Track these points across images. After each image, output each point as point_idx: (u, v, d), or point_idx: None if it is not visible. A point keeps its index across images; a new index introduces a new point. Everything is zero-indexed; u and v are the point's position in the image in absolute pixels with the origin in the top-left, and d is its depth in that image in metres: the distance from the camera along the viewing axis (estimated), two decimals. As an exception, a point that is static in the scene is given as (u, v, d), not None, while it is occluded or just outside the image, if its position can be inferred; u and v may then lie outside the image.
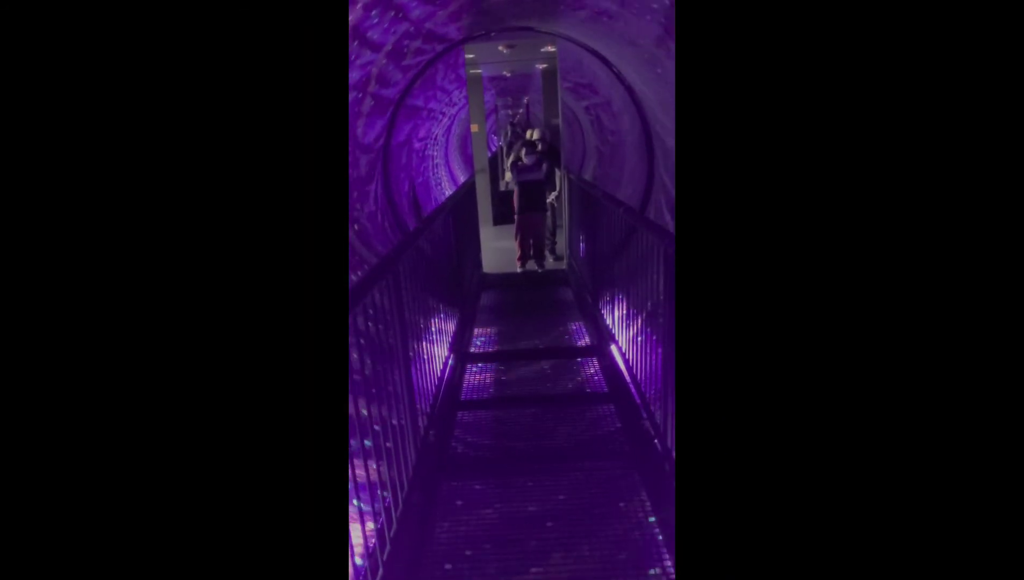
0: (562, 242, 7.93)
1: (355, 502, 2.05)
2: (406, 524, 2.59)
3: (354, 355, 2.14)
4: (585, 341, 5.18)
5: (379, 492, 2.33)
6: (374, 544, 2.25)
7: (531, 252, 7.62)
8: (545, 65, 8.56)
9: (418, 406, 3.07)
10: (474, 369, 4.67)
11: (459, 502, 2.95)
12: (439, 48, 6.40)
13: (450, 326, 4.63)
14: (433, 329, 3.86)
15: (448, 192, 12.18)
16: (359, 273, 4.83)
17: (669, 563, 2.46)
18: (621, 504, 2.85)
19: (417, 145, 8.66)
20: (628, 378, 3.95)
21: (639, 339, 3.65)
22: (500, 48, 7.65)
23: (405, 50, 5.46)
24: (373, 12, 4.15)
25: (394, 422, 2.60)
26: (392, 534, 2.41)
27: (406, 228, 6.87)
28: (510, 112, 17.16)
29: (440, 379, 3.90)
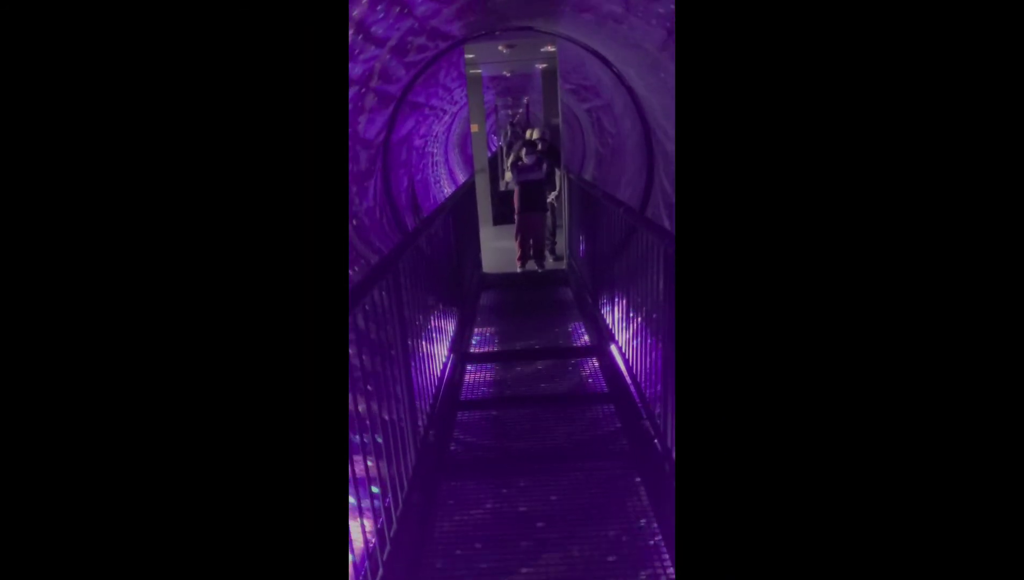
0: (562, 242, 7.93)
1: (353, 500, 2.05)
2: (406, 524, 2.59)
3: (354, 354, 2.13)
4: (585, 341, 5.18)
5: (379, 492, 2.32)
6: (374, 544, 2.25)
7: (531, 252, 7.62)
8: (545, 65, 8.56)
9: (418, 406, 3.07)
10: (474, 369, 4.67)
11: (458, 502, 2.95)
12: (443, 45, 6.39)
13: (450, 326, 4.63)
14: (433, 329, 3.86)
15: (447, 190, 12.17)
16: (356, 268, 4.83)
17: (669, 564, 2.46)
18: (620, 504, 2.84)
19: (417, 142, 8.66)
20: (628, 378, 3.95)
21: (639, 339, 3.65)
22: (500, 48, 7.64)
23: (409, 46, 5.45)
24: (379, 7, 4.15)
25: (394, 422, 2.60)
26: (392, 534, 2.40)
27: (404, 225, 6.87)
28: (510, 112, 17.15)
29: (440, 379, 3.90)
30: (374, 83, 5.25)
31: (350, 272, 4.54)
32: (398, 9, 4.47)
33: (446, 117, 10.56)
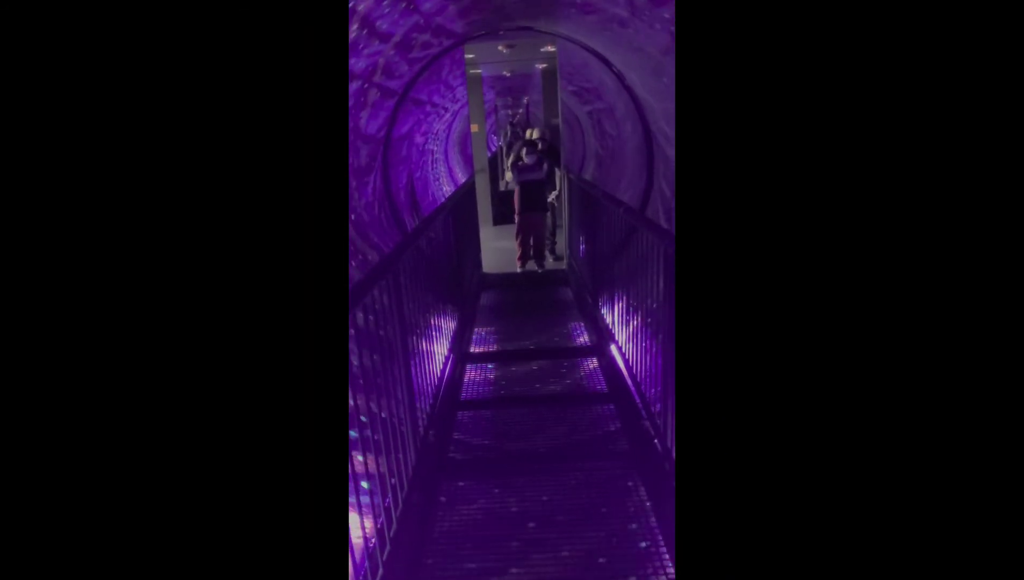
0: (562, 242, 7.93)
1: (354, 500, 2.05)
2: (406, 524, 2.59)
3: (353, 355, 2.13)
4: (585, 341, 5.18)
5: (369, 487, 2.32)
6: (374, 544, 2.25)
7: (531, 252, 7.61)
8: (545, 65, 8.56)
9: (418, 406, 3.07)
10: (474, 369, 4.67)
11: (458, 502, 2.95)
12: (447, 43, 6.39)
13: (450, 326, 4.63)
14: (433, 329, 3.86)
15: (446, 188, 12.17)
16: (353, 264, 4.83)
17: (669, 564, 2.46)
18: (620, 504, 2.84)
19: (418, 139, 8.66)
20: (628, 378, 3.95)
21: (639, 339, 3.65)
22: (500, 48, 7.64)
23: (413, 43, 5.45)
24: (384, 2, 4.15)
25: (394, 422, 2.60)
26: (392, 534, 2.40)
27: (402, 222, 6.86)
28: (510, 112, 17.15)
29: (440, 379, 3.90)
30: (377, 78, 5.25)
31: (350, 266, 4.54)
32: (404, 5, 4.47)
33: (447, 115, 10.56)
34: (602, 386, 4.23)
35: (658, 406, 3.11)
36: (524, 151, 7.22)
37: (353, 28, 4.02)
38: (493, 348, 5.26)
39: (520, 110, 16.47)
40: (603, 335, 4.81)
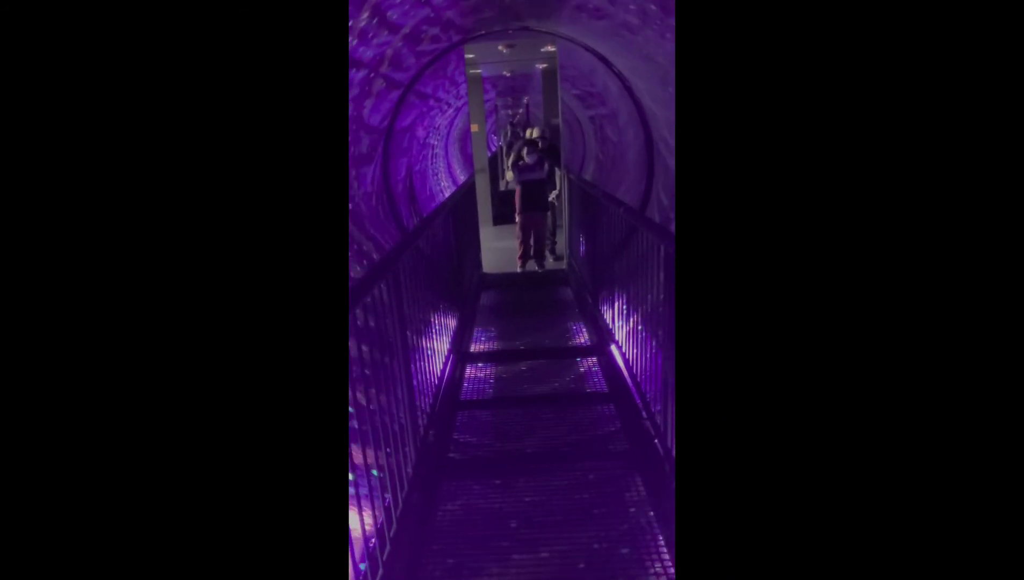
0: (562, 242, 7.93)
1: (353, 498, 2.05)
2: (406, 523, 2.59)
3: (353, 354, 2.13)
4: (585, 341, 5.17)
5: (378, 491, 2.32)
6: (374, 544, 2.25)
7: (531, 252, 7.61)
8: (545, 65, 8.55)
9: (418, 405, 3.07)
10: (474, 369, 4.67)
11: (458, 502, 2.95)
12: (455, 38, 6.38)
13: (450, 326, 4.62)
14: (433, 329, 3.86)
15: (444, 184, 12.16)
16: (352, 260, 4.83)
17: (670, 564, 2.46)
18: (620, 504, 2.84)
19: (420, 132, 8.65)
20: (628, 378, 3.95)
21: (639, 339, 3.65)
22: (500, 48, 7.64)
23: (422, 36, 5.44)
24: (397, -7, 4.16)
25: (394, 422, 2.60)
26: (392, 534, 2.40)
27: (399, 213, 6.85)
28: (510, 112, 17.15)
29: (440, 379, 3.90)
30: (384, 69, 5.24)
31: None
32: (416, -4, 4.49)
33: (450, 111, 10.56)
34: (602, 386, 4.22)
35: (658, 406, 3.11)
36: (525, 150, 7.21)
37: (363, 16, 4.01)
38: (493, 348, 5.26)
39: (520, 110, 16.47)
40: (603, 335, 4.81)
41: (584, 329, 5.42)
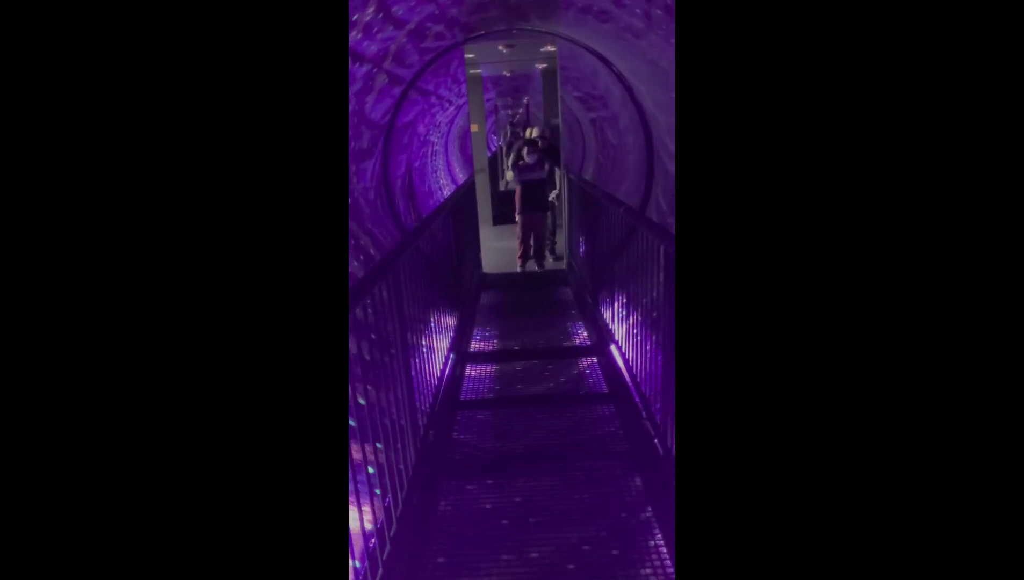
0: (562, 242, 7.93)
1: (353, 498, 2.05)
2: (405, 523, 2.59)
3: (353, 353, 2.13)
4: (585, 341, 5.18)
5: (378, 491, 2.32)
6: (374, 544, 2.25)
7: (531, 251, 7.61)
8: (545, 65, 8.55)
9: (418, 405, 3.07)
10: (474, 369, 4.67)
11: (458, 502, 2.95)
12: (460, 36, 6.38)
13: (450, 326, 4.63)
14: (433, 329, 3.86)
15: (443, 181, 12.15)
16: (349, 254, 4.83)
17: (669, 564, 2.46)
18: (620, 503, 2.84)
19: (421, 129, 8.65)
20: (628, 378, 3.95)
21: (639, 339, 3.65)
22: (500, 48, 7.64)
23: (427, 32, 5.44)
24: (404, -13, 4.17)
25: (394, 422, 2.60)
26: (392, 533, 2.40)
27: (397, 209, 6.85)
28: (510, 112, 17.15)
29: (440, 379, 3.90)
30: (387, 64, 5.23)
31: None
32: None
33: (451, 108, 10.56)
34: (602, 386, 4.23)
35: (658, 406, 3.11)
36: (525, 150, 7.20)
37: (369, 11, 4.00)
38: (493, 347, 5.26)
39: (520, 110, 16.48)
40: (603, 335, 4.81)
41: (584, 329, 5.42)
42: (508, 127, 15.12)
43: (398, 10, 4.46)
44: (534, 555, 2.55)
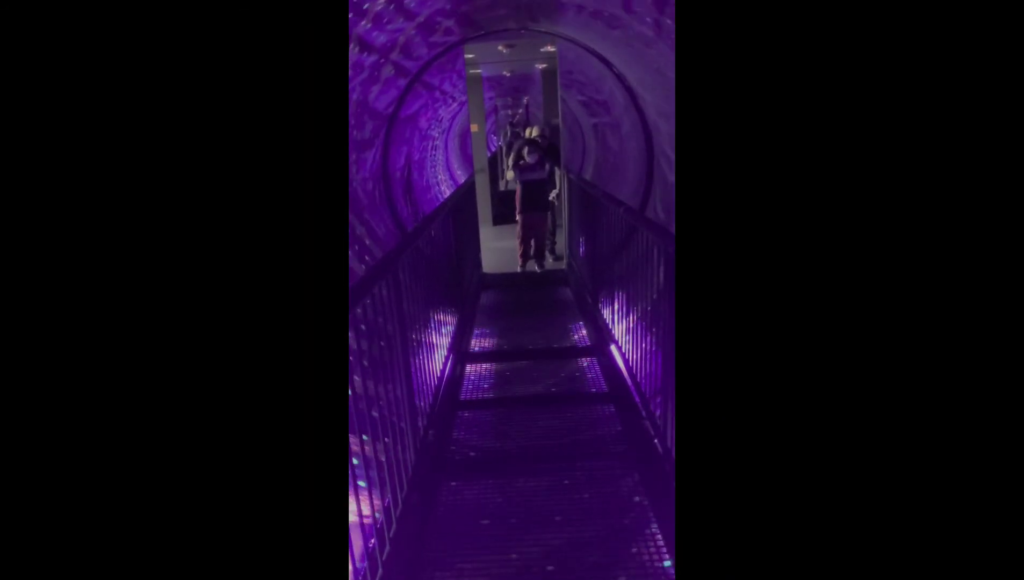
0: (562, 242, 7.93)
1: (353, 498, 2.05)
2: (405, 524, 2.59)
3: (353, 353, 2.13)
4: (585, 341, 5.18)
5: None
6: (374, 544, 2.25)
7: (532, 251, 7.61)
8: (545, 65, 8.55)
9: (417, 405, 3.07)
10: (474, 369, 4.67)
11: (458, 502, 2.95)
12: (470, 33, 6.38)
13: (450, 326, 4.62)
14: (433, 328, 3.86)
15: (442, 175, 12.14)
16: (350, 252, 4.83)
17: (669, 561, 2.46)
18: (620, 503, 2.84)
19: (422, 123, 8.64)
20: (628, 378, 3.95)
21: (638, 339, 3.65)
22: (500, 48, 7.64)
23: (436, 27, 5.43)
24: (416, -21, 4.17)
25: (394, 421, 2.60)
26: (391, 534, 2.40)
27: (395, 200, 6.84)
28: (510, 112, 17.16)
29: (440, 379, 3.90)
30: (394, 55, 5.23)
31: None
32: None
33: (454, 105, 10.55)
34: (602, 386, 4.23)
35: (658, 406, 3.11)
36: (526, 150, 7.19)
37: (380, 1, 4.00)
38: (493, 348, 5.26)
39: (520, 110, 16.48)
40: (603, 335, 4.81)
41: (584, 329, 5.42)
42: (508, 127, 15.13)
43: (410, 2, 4.46)
44: (534, 555, 2.55)
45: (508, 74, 10.98)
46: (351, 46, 4.12)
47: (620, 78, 6.46)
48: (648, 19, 4.32)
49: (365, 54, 4.52)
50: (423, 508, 2.85)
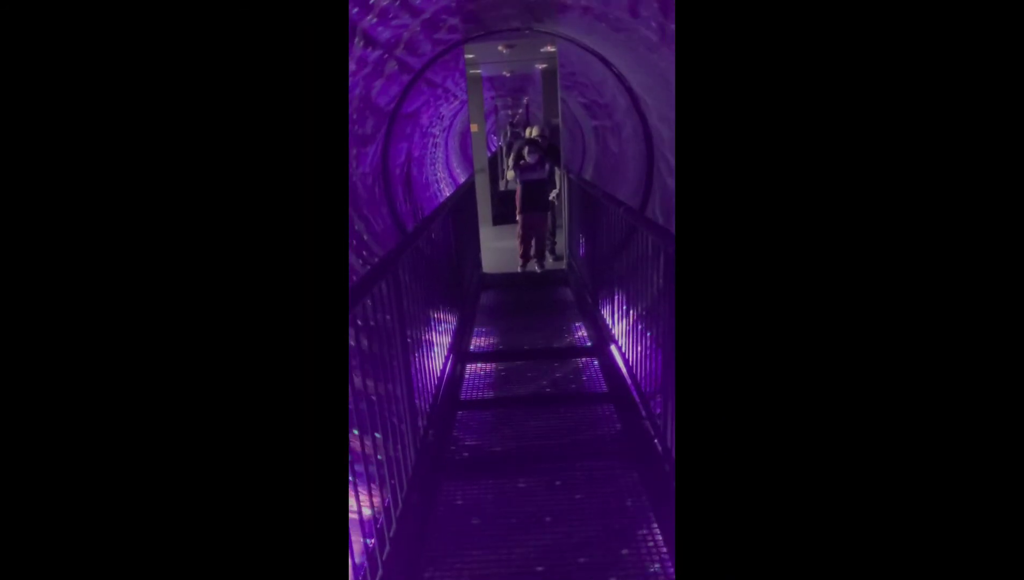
0: (562, 242, 7.93)
1: (353, 499, 2.05)
2: (405, 524, 2.59)
3: (353, 354, 2.13)
4: (585, 341, 5.17)
5: (378, 490, 2.32)
6: (373, 544, 2.25)
7: (532, 252, 7.61)
8: (545, 65, 8.54)
9: (417, 405, 3.07)
10: (473, 369, 4.67)
11: (457, 502, 2.95)
12: (474, 32, 6.37)
13: (450, 325, 4.62)
14: (433, 329, 3.86)
15: (441, 173, 12.12)
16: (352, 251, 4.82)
17: (669, 564, 2.46)
18: (620, 503, 2.84)
19: (424, 120, 8.63)
20: (627, 378, 3.95)
21: (638, 339, 3.65)
22: (500, 48, 7.63)
23: (441, 24, 5.43)
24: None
25: (393, 422, 2.60)
26: (391, 534, 2.40)
27: (394, 196, 6.84)
28: (510, 112, 17.16)
29: (440, 379, 3.90)
30: (398, 51, 5.22)
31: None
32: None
33: (456, 103, 10.55)
34: (602, 386, 4.23)
35: (658, 406, 3.11)
36: (527, 150, 7.18)
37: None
38: (493, 348, 5.26)
39: (520, 110, 16.48)
40: (603, 335, 4.81)
41: (584, 329, 5.42)
42: (508, 127, 15.13)
43: (416, -1, 4.47)
44: (534, 555, 2.55)
45: (508, 74, 10.97)
46: (356, 40, 4.12)
47: (623, 82, 6.46)
48: (653, 23, 4.32)
49: (369, 49, 4.52)
50: (423, 508, 2.85)
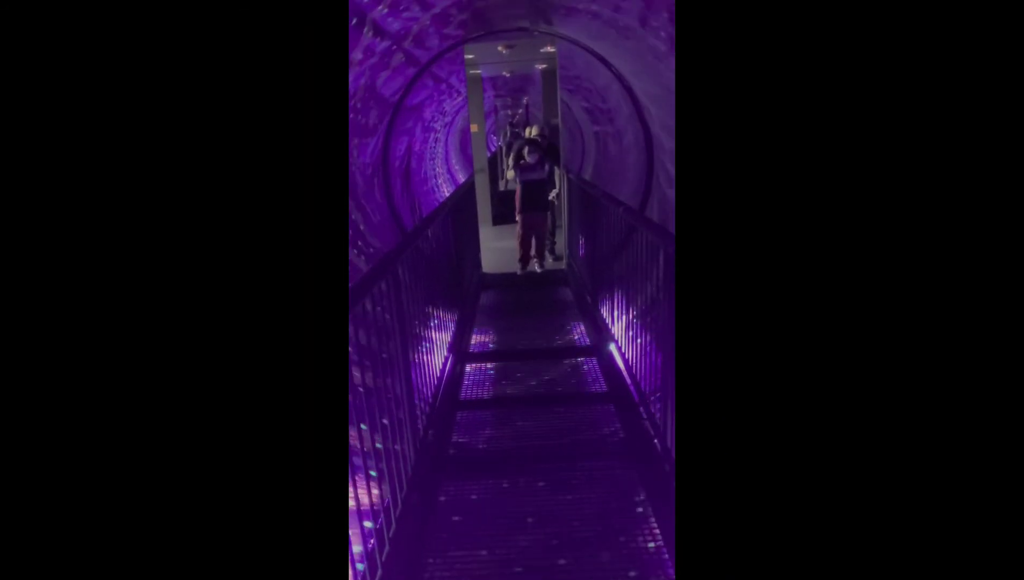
0: (562, 242, 7.93)
1: (354, 500, 2.05)
2: (405, 524, 2.59)
3: (353, 354, 2.13)
4: (584, 341, 5.18)
5: (378, 491, 2.32)
6: (373, 544, 2.25)
7: (532, 252, 7.60)
8: (545, 65, 8.55)
9: (417, 406, 3.07)
10: (473, 369, 4.67)
11: (457, 502, 2.95)
12: (482, 29, 6.37)
13: (449, 326, 4.63)
14: (432, 329, 3.86)
15: (439, 170, 12.12)
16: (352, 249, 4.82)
17: (669, 564, 2.46)
18: (620, 503, 2.84)
19: (427, 114, 8.62)
20: (627, 378, 3.95)
21: (638, 339, 3.65)
22: (500, 48, 7.63)
23: (451, 19, 5.43)
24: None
25: (392, 421, 2.60)
26: (391, 534, 2.40)
27: (392, 188, 6.83)
28: (510, 112, 17.16)
29: (439, 379, 3.90)
30: (407, 44, 5.22)
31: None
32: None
33: (459, 99, 10.55)
34: (601, 386, 4.23)
35: (658, 406, 3.11)
36: (527, 149, 7.17)
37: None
38: (492, 347, 5.26)
39: (520, 110, 16.48)
40: (602, 335, 4.81)
41: (583, 329, 5.42)
42: (508, 127, 15.13)
43: (428, -9, 4.48)
44: (534, 554, 2.55)
45: (508, 74, 10.97)
46: (365, 30, 4.12)
47: (628, 89, 6.46)
48: (663, 33, 4.32)
49: (378, 39, 4.51)
50: (422, 508, 2.85)
